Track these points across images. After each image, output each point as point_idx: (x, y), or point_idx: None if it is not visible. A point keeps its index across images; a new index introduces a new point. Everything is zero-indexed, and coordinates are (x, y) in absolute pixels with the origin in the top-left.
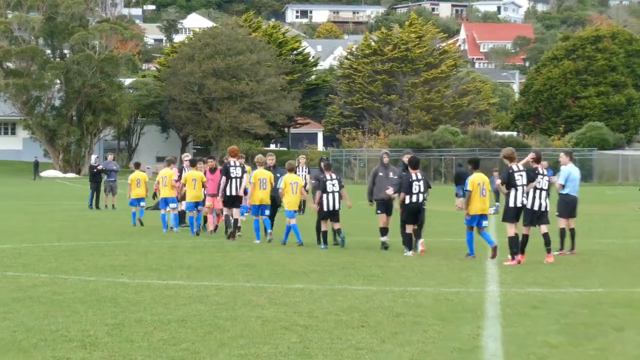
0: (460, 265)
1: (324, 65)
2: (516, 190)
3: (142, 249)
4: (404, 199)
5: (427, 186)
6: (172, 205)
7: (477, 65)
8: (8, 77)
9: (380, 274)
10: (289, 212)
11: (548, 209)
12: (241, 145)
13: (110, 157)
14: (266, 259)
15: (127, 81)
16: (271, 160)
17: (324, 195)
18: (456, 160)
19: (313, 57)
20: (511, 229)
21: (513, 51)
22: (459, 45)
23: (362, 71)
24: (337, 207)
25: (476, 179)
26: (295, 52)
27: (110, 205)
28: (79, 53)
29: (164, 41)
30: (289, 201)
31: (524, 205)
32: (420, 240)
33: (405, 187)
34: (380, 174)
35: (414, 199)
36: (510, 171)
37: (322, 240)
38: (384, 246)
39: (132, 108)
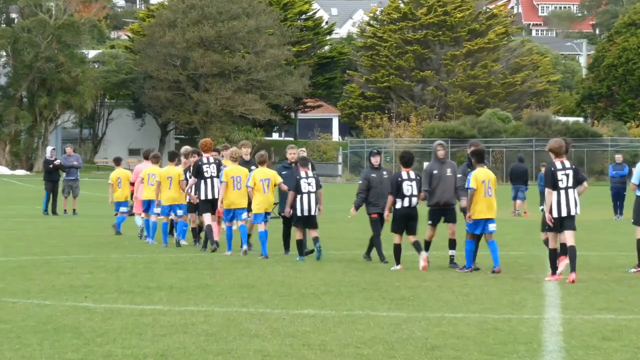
0: (512, 286)
1: (340, 33)
2: (558, 193)
3: (111, 266)
4: (393, 202)
5: (420, 187)
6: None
7: (534, 33)
8: None
9: (411, 297)
10: (257, 216)
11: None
12: (236, 135)
13: (69, 149)
14: (267, 277)
15: (92, 53)
16: (247, 152)
17: (298, 197)
18: (507, 153)
19: (326, 22)
20: (552, 241)
21: (579, 15)
22: (512, 8)
23: (388, 41)
24: (313, 211)
25: (480, 175)
26: (304, 16)
27: (71, 210)
28: (30, 17)
29: (137, 3)
30: (260, 202)
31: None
32: (424, 255)
33: (393, 188)
34: (435, 172)
35: (406, 203)
36: (553, 169)
37: (300, 250)
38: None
39: (98, 87)
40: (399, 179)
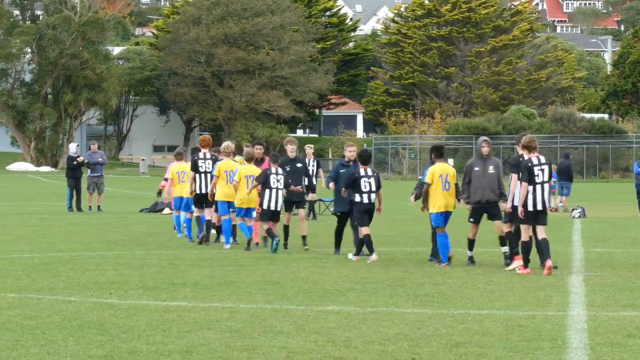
0: (537, 283)
1: (364, 29)
2: (534, 187)
3: (135, 262)
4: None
5: (378, 185)
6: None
7: (558, 30)
8: None
9: (436, 294)
10: (238, 210)
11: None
12: (261, 131)
13: (94, 146)
14: (292, 274)
15: (116, 50)
16: (292, 149)
17: (267, 192)
18: None
19: (351, 19)
20: (525, 234)
21: (604, 12)
22: (536, 5)
23: (412, 37)
24: (279, 207)
25: (437, 170)
26: (328, 13)
27: (95, 206)
28: (54, 14)
29: (162, 0)
30: (241, 198)
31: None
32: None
33: (348, 182)
34: (477, 168)
35: (365, 199)
36: (530, 164)
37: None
38: (471, 262)
39: (123, 84)
40: (357, 176)
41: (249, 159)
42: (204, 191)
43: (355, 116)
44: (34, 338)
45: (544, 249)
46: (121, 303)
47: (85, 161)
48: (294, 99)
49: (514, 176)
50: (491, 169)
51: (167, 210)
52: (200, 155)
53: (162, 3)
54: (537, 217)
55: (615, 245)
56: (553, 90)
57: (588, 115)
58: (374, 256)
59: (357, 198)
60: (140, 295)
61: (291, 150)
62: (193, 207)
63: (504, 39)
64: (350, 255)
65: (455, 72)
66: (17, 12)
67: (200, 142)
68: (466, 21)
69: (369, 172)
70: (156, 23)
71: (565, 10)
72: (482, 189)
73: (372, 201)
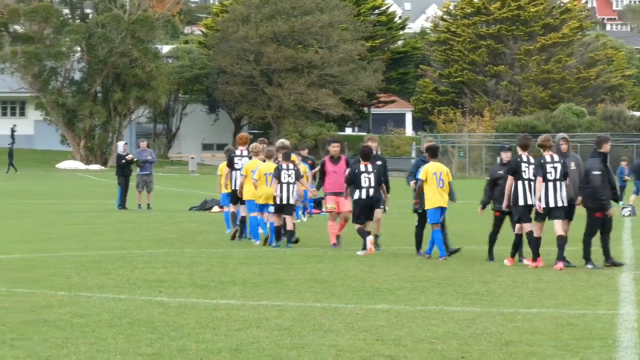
0: (587, 281)
1: (413, 28)
2: (547, 184)
3: (185, 260)
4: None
5: (379, 180)
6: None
7: (608, 28)
8: (16, 43)
9: (486, 292)
10: (259, 206)
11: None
12: (309, 129)
13: (143, 144)
14: (341, 272)
15: (165, 49)
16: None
17: (277, 186)
18: (581, 148)
19: (400, 17)
20: (538, 230)
21: None
22: (586, 2)
23: (461, 35)
24: (291, 200)
25: (431, 168)
26: (377, 11)
27: (145, 204)
28: (104, 13)
29: None
30: (261, 194)
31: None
32: (369, 238)
33: (349, 179)
34: None
35: (364, 194)
36: (542, 161)
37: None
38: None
39: (172, 82)
40: (357, 171)
41: (269, 156)
42: (237, 188)
43: (404, 114)
44: (84, 336)
45: (560, 247)
46: (170, 301)
47: (135, 159)
48: (343, 97)
49: (510, 177)
50: (572, 166)
51: (216, 209)
52: (237, 152)
53: (212, 1)
54: (550, 213)
55: None
56: (602, 88)
57: (638, 114)
58: (364, 252)
59: (356, 194)
60: (190, 294)
61: (373, 148)
62: (230, 203)
63: (554, 37)
64: (359, 252)
65: (504, 70)
66: (66, 10)
67: (238, 140)
68: (515, 19)
69: (369, 168)
70: (205, 21)
71: (614, 7)
72: (567, 186)
73: (372, 196)
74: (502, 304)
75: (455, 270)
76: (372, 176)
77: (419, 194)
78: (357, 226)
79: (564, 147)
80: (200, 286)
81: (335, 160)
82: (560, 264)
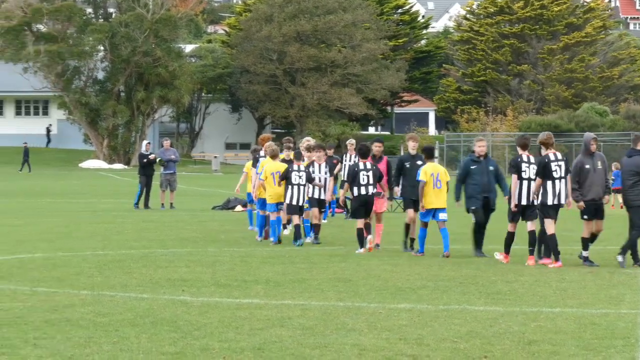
0: (609, 281)
1: (436, 27)
2: (553, 182)
3: (208, 259)
4: (347, 189)
5: (380, 177)
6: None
7: (631, 27)
8: (39, 43)
9: (508, 291)
10: (270, 206)
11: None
12: (332, 129)
13: (167, 143)
14: (364, 271)
15: (189, 48)
16: (414, 146)
17: (288, 188)
18: (604, 147)
19: (423, 16)
20: (550, 227)
21: None
22: (609, 1)
23: (485, 34)
24: (302, 201)
25: (429, 169)
26: (400, 10)
27: (168, 203)
28: (127, 12)
29: None
30: (270, 194)
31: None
32: (369, 237)
33: (349, 176)
34: (587, 166)
35: (363, 190)
36: (547, 160)
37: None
38: (588, 262)
39: (195, 82)
40: (356, 169)
41: (273, 156)
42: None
43: (427, 113)
44: (107, 335)
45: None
46: (193, 300)
47: (159, 159)
48: (366, 97)
49: (514, 176)
50: (599, 165)
51: (239, 208)
52: (262, 153)
53: (235, 1)
54: (553, 211)
55: None
56: (626, 88)
57: None
58: (362, 249)
59: (355, 191)
60: (213, 293)
61: (412, 147)
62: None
63: (577, 36)
64: (357, 251)
65: (527, 70)
66: (89, 10)
67: (260, 141)
68: (538, 18)
69: (368, 166)
70: (228, 21)
71: (638, 7)
72: (595, 185)
73: (370, 193)
74: (524, 303)
75: (478, 270)
76: (370, 174)
77: (421, 196)
78: (357, 226)
79: (593, 146)
80: (223, 285)
81: (377, 160)
82: (548, 260)
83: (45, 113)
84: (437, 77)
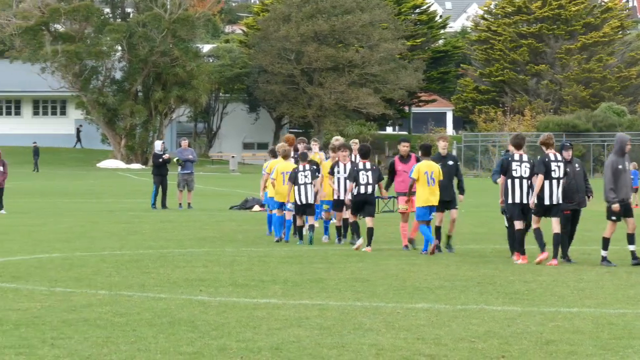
0: (627, 280)
1: (454, 27)
2: (550, 182)
3: (225, 259)
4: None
5: (380, 177)
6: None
7: None
8: (56, 43)
9: (526, 291)
10: (275, 203)
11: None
12: (350, 129)
13: (184, 142)
14: (381, 271)
15: (206, 48)
16: (444, 146)
17: (295, 188)
18: None
19: (441, 16)
20: (536, 223)
21: None
22: (627, 1)
23: (502, 34)
24: (310, 200)
25: (423, 167)
26: (417, 10)
27: (185, 203)
28: (145, 12)
29: None
30: (278, 192)
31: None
32: (360, 241)
33: (350, 177)
34: (620, 166)
35: (362, 190)
36: (547, 160)
37: (297, 235)
38: (606, 262)
39: (213, 82)
40: (356, 169)
41: (285, 156)
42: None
43: (445, 113)
44: (125, 335)
45: (555, 244)
46: (211, 300)
47: (175, 159)
48: (384, 97)
49: (502, 176)
50: (627, 166)
51: (256, 208)
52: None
53: (252, 1)
54: (550, 211)
55: None
56: None
57: None
58: (360, 241)
59: (355, 190)
60: (230, 293)
61: (443, 147)
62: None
63: (594, 36)
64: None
65: (545, 70)
66: (107, 10)
67: (286, 142)
68: (556, 18)
69: (367, 166)
70: (246, 21)
71: None
72: (625, 186)
73: (369, 192)
74: (542, 303)
75: (496, 270)
76: (369, 174)
77: (410, 192)
78: (351, 218)
79: (629, 147)
80: (241, 285)
81: (405, 159)
82: (554, 261)
83: (63, 113)
84: (454, 77)
